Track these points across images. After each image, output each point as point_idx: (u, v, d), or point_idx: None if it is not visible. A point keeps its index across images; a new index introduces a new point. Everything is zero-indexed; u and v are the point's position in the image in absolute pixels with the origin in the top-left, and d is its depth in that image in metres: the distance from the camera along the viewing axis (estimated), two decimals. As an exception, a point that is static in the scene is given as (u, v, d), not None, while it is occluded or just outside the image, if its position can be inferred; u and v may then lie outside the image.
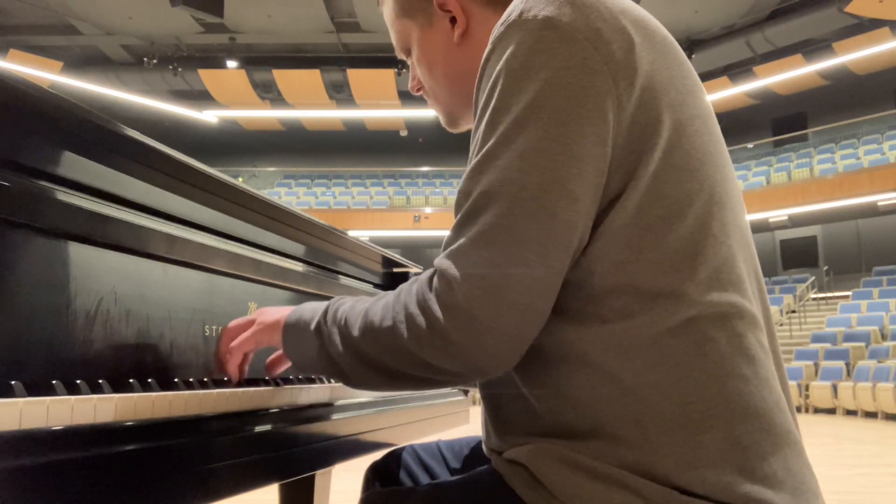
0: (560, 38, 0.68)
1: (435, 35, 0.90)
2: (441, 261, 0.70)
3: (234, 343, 0.90)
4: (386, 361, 0.73)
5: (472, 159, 0.71)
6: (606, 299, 0.69)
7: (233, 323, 0.92)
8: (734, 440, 0.68)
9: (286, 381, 1.03)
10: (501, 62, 0.70)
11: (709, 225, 0.72)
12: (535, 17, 0.69)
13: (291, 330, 0.84)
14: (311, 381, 1.09)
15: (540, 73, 0.68)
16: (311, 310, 0.83)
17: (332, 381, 0.84)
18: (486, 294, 0.66)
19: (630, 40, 0.70)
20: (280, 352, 0.93)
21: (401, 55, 0.98)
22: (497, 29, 0.72)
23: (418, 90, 0.98)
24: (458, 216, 0.71)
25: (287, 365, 0.96)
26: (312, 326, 0.80)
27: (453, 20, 0.88)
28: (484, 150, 0.70)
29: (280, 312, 0.87)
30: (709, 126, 0.77)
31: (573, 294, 0.70)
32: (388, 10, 0.95)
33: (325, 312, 0.80)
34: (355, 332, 0.75)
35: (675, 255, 0.70)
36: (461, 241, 0.69)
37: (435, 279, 0.70)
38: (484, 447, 0.86)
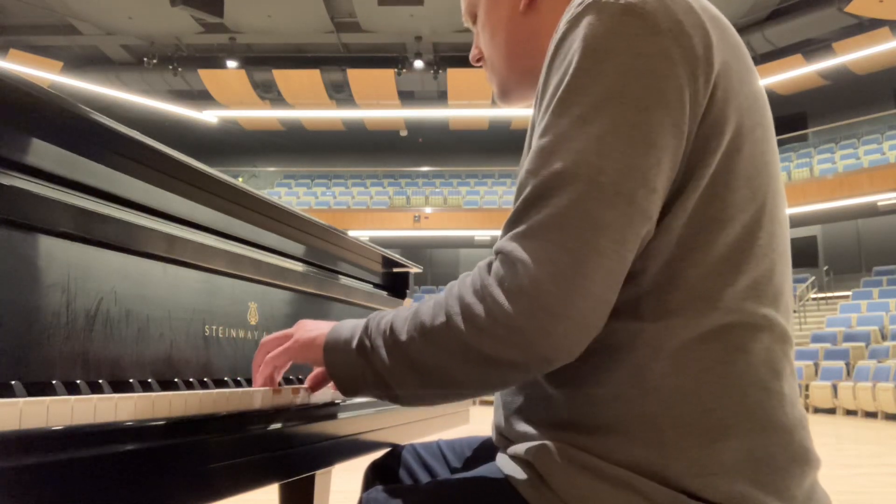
0: (642, 25, 0.67)
1: (502, 0, 0.90)
2: (505, 243, 0.66)
3: (268, 356, 0.87)
4: (439, 363, 0.68)
5: (539, 138, 0.67)
6: (647, 297, 0.69)
7: (270, 335, 0.89)
8: (750, 451, 0.67)
9: (287, 381, 1.03)
10: (578, 41, 0.67)
11: (756, 235, 0.71)
12: (616, 0, 0.68)
13: (332, 351, 0.79)
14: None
15: (619, 58, 0.66)
16: (351, 327, 0.78)
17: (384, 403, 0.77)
18: (556, 280, 0.62)
19: (708, 37, 0.70)
20: (319, 369, 0.89)
21: (467, 22, 0.98)
22: (574, 8, 0.70)
23: (478, 60, 0.97)
24: (525, 196, 0.66)
25: (329, 382, 0.88)
26: (354, 344, 0.76)
27: None
28: (555, 130, 0.66)
29: (318, 329, 0.83)
30: (768, 136, 0.77)
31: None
32: None
33: (367, 326, 0.76)
34: (403, 336, 0.70)
35: (720, 260, 0.69)
36: (529, 222, 0.65)
37: (496, 263, 0.66)
38: (493, 432, 0.86)
